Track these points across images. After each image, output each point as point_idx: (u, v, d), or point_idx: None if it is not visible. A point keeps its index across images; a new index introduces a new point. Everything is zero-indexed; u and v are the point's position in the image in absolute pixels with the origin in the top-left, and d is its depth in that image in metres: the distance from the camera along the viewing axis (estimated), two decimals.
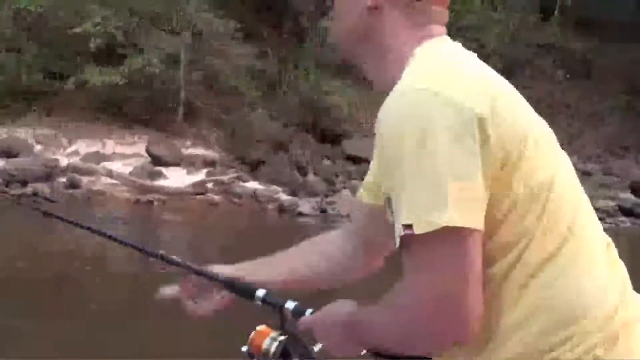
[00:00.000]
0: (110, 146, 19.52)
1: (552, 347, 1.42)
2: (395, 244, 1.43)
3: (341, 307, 1.60)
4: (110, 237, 2.05)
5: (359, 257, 1.89)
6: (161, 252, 1.94)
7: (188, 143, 20.15)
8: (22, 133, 19.53)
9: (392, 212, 1.44)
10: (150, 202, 16.66)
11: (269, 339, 1.69)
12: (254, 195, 17.45)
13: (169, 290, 1.92)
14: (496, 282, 1.45)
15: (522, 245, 1.44)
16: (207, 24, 20.52)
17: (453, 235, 1.37)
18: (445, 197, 1.37)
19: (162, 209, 16.48)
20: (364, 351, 1.57)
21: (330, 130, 20.93)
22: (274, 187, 18.09)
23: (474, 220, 1.39)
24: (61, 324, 7.38)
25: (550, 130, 1.58)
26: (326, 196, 17.34)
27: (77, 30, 19.20)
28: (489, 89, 1.48)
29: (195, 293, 1.89)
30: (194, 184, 17.87)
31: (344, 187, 17.73)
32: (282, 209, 16.87)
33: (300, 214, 16.43)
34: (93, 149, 19.18)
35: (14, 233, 12.28)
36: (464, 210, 1.38)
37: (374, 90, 1.65)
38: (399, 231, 1.41)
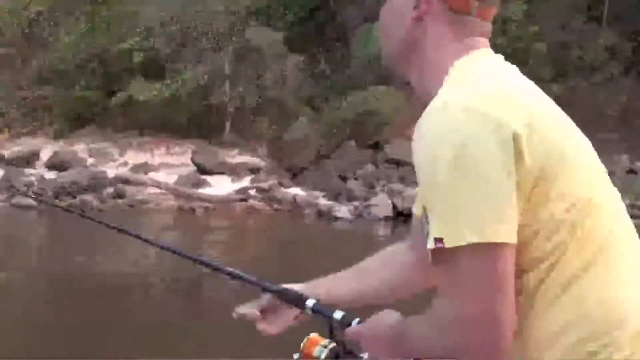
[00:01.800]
0: (159, 157, 20.26)
1: (588, 357, 1.44)
2: (428, 257, 1.46)
3: (386, 319, 1.61)
4: (174, 251, 2.06)
5: (419, 271, 1.86)
6: (231, 268, 1.95)
7: (234, 152, 20.74)
8: (76, 147, 20.42)
9: (427, 222, 1.46)
10: (193, 210, 17.29)
11: (320, 346, 1.76)
12: (294, 200, 17.92)
13: (245, 310, 1.91)
14: (528, 294, 1.47)
15: (554, 258, 1.45)
16: (252, 36, 21.06)
17: (483, 250, 1.39)
18: (477, 212, 1.39)
19: (204, 216, 17.09)
20: None
21: (373, 136, 21.23)
22: (316, 192, 18.52)
23: (505, 235, 1.40)
24: None
25: (590, 147, 1.59)
26: (365, 200, 17.66)
27: (122, 46, 19.98)
28: (526, 106, 1.48)
29: (271, 312, 1.90)
30: (237, 191, 18.42)
31: (383, 191, 18.01)
32: (320, 213, 17.30)
33: (337, 218, 16.84)
34: (142, 160, 19.94)
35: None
36: (495, 225, 1.39)
37: (415, 97, 1.68)
38: (430, 244, 1.43)
